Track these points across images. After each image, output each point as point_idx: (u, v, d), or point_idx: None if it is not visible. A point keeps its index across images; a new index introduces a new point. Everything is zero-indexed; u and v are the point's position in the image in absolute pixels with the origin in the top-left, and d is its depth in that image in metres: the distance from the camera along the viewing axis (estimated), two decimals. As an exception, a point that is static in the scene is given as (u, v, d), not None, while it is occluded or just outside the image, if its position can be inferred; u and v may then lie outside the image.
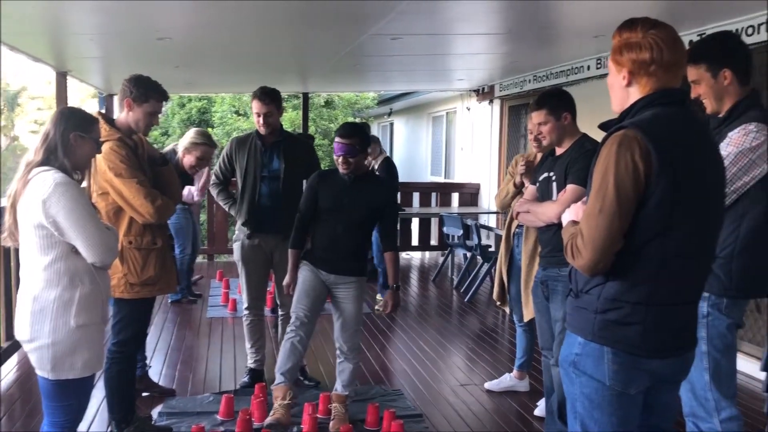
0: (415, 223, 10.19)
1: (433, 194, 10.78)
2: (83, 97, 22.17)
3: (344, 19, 5.22)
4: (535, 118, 3.38)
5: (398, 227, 5.02)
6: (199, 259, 9.09)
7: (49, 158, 2.66)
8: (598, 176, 1.93)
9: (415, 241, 10.28)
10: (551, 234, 3.23)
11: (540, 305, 3.51)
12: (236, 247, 4.54)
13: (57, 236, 2.60)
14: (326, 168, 4.30)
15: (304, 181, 4.18)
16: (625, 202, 1.88)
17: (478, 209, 10.13)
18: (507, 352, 5.53)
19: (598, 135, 2.10)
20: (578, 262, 1.97)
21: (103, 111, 8.06)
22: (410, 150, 15.44)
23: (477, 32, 5.92)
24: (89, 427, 3.87)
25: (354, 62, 7.49)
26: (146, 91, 3.47)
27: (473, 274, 7.67)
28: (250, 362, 4.64)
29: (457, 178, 11.64)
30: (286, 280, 4.00)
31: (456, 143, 11.94)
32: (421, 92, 12.38)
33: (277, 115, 4.41)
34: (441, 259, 9.29)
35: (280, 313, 4.64)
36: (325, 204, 3.88)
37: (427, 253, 10.70)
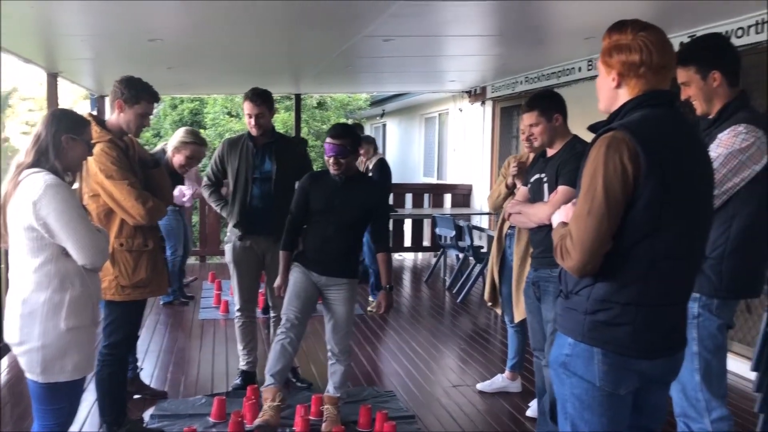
0: (407, 224, 10.19)
1: (426, 195, 10.81)
2: (74, 99, 22.06)
3: (337, 21, 5.21)
4: (527, 119, 3.40)
5: (390, 228, 5.02)
6: (191, 260, 9.07)
7: (40, 160, 2.65)
8: (586, 178, 1.94)
9: (407, 242, 10.28)
10: (543, 235, 3.24)
11: (531, 306, 3.52)
12: (228, 248, 4.53)
13: (47, 238, 2.59)
14: (318, 169, 4.30)
15: (296, 183, 4.18)
16: (613, 203, 1.89)
17: (470, 210, 10.14)
18: (499, 353, 5.54)
19: (589, 136, 2.10)
20: (567, 264, 1.98)
21: (95, 112, 8.07)
22: (403, 151, 15.45)
23: (469, 34, 5.93)
24: (80, 430, 3.86)
25: (346, 63, 7.49)
26: (137, 93, 3.45)
27: (465, 275, 7.68)
28: (242, 364, 4.63)
29: (450, 179, 11.66)
30: (278, 281, 3.99)
31: (448, 144, 11.96)
32: (413, 93, 12.38)
33: (268, 116, 4.40)
34: (433, 260, 9.29)
35: (271, 314, 4.64)
36: (316, 205, 3.87)
37: (420, 254, 10.70)
